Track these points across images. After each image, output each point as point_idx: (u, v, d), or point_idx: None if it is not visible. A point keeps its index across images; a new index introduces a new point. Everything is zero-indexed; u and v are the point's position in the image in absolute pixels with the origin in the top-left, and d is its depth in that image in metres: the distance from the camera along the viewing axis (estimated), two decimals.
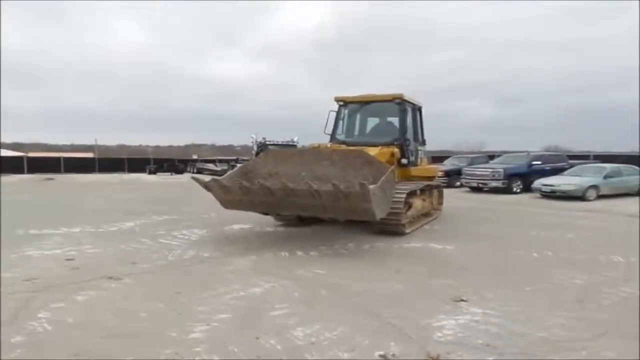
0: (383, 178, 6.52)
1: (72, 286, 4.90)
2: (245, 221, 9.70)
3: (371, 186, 5.96)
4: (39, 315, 4.02)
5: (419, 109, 10.82)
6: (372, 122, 10.86)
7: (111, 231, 8.59)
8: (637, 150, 27.43)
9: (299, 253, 6.68)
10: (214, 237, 8.00)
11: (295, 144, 24.17)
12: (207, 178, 7.74)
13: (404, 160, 9.60)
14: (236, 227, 9.08)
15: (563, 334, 3.66)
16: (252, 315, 4.05)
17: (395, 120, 10.11)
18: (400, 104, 9.75)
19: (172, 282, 5.11)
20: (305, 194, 6.48)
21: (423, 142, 11.00)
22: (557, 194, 15.60)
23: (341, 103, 10.34)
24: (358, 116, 10.64)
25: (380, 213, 6.54)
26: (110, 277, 5.24)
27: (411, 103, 10.21)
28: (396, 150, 9.46)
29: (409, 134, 10.02)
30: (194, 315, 4.02)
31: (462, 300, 4.49)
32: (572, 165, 18.82)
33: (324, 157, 7.77)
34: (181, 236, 8.01)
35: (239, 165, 8.32)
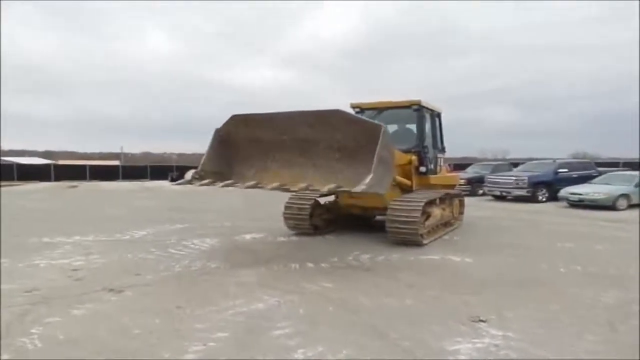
0: (376, 154, 5.72)
1: (72, 299, 4.74)
2: (258, 230, 9.49)
3: (368, 180, 5.48)
4: (32, 330, 3.85)
5: (438, 115, 10.47)
6: (390, 129, 10.55)
7: (123, 240, 8.49)
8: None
9: (310, 265, 6.41)
10: (225, 247, 7.80)
11: None
12: None
13: (423, 168, 9.28)
14: (248, 236, 8.87)
15: None
16: (252, 334, 3.79)
17: (413, 127, 9.80)
18: (418, 110, 9.42)
19: (174, 295, 4.91)
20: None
21: (443, 150, 10.63)
22: (586, 203, 14.93)
23: (357, 110, 10.05)
24: None
25: (383, 189, 6.06)
26: (112, 289, 5.07)
27: (430, 109, 9.87)
28: (414, 157, 9.17)
29: (428, 141, 9.68)
30: (191, 334, 3.79)
31: (481, 320, 4.14)
32: (600, 173, 18.08)
33: (299, 120, 6.62)
34: (192, 246, 7.84)
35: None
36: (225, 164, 7.11)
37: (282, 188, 6.44)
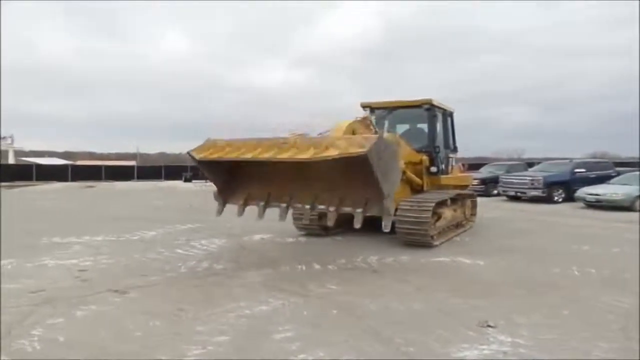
0: (378, 179, 5.22)
1: (76, 300, 4.73)
2: (267, 230, 9.43)
3: (388, 204, 5.35)
4: (33, 332, 3.83)
5: (450, 115, 10.31)
6: (401, 128, 10.43)
7: (132, 240, 8.51)
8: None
9: (317, 267, 6.33)
10: (232, 248, 7.77)
11: None
12: None
13: (433, 169, 9.15)
14: (257, 237, 8.82)
15: None
16: (253, 337, 3.73)
17: (425, 127, 9.66)
18: (430, 110, 9.29)
19: (178, 296, 4.87)
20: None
21: (454, 149, 10.46)
22: (603, 204, 14.58)
23: (367, 109, 9.94)
24: (386, 123, 10.18)
25: (394, 187, 5.72)
26: (116, 291, 5.05)
27: (441, 108, 9.72)
28: (425, 157, 9.04)
29: (439, 141, 9.54)
30: (192, 336, 3.73)
31: (489, 325, 4.01)
32: (619, 173, 17.65)
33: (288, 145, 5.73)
34: (199, 246, 7.82)
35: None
36: (227, 166, 6.70)
37: (316, 210, 6.16)
